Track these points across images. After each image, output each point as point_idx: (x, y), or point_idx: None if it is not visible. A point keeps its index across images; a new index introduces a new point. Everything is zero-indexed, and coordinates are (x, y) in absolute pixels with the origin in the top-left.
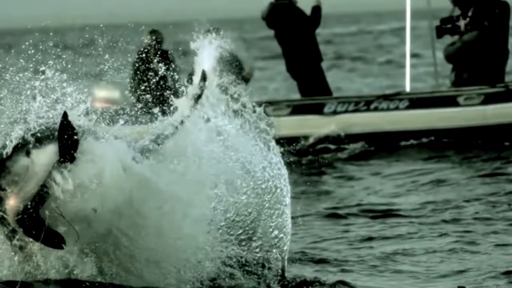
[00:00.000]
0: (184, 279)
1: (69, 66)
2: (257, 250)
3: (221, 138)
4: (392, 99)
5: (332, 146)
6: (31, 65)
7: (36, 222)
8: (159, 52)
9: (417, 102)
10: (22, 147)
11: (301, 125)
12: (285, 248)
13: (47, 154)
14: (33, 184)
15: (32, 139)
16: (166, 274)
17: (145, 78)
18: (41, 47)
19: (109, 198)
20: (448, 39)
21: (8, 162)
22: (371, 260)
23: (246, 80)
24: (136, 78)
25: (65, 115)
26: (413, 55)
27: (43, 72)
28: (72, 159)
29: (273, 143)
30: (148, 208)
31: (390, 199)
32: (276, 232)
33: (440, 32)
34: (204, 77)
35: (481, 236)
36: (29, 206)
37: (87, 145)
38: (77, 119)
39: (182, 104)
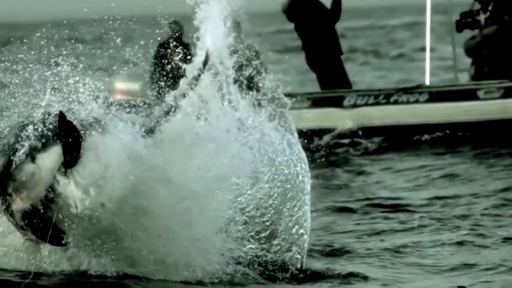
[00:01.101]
0: (198, 269)
1: (83, 59)
2: (277, 243)
3: (240, 125)
4: (412, 92)
5: (346, 141)
6: (43, 58)
7: (44, 223)
8: (179, 45)
9: (437, 95)
10: (28, 152)
11: (321, 118)
12: (305, 240)
13: (52, 157)
14: (40, 188)
15: (37, 143)
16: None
17: (165, 71)
18: (55, 37)
19: (116, 191)
20: (468, 33)
21: (15, 170)
22: (382, 252)
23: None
24: (156, 71)
25: (61, 116)
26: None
27: (57, 64)
28: (75, 161)
29: (291, 125)
30: (158, 197)
31: (402, 194)
32: (296, 225)
33: (460, 26)
34: (206, 59)
35: (490, 231)
36: (36, 209)
37: (92, 140)
38: (80, 113)
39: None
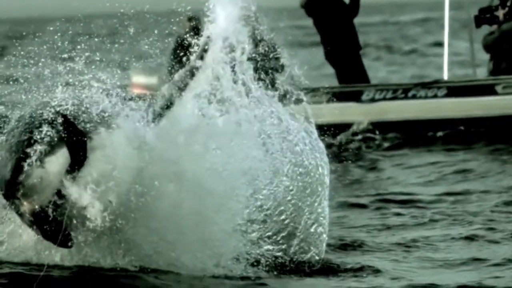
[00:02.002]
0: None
1: (97, 53)
2: (296, 243)
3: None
4: (430, 87)
5: (359, 137)
6: (57, 52)
7: (53, 226)
8: (197, 39)
9: (455, 90)
10: (36, 156)
11: (339, 112)
12: (323, 240)
13: (59, 160)
14: (48, 192)
15: (45, 146)
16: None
17: (183, 66)
18: (70, 31)
19: (124, 187)
20: (486, 29)
21: (23, 175)
22: (393, 247)
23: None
24: (174, 65)
25: (65, 118)
26: (438, 44)
27: (70, 59)
28: (82, 163)
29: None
30: (165, 193)
31: (414, 189)
32: (316, 223)
33: (479, 21)
34: (206, 45)
35: (501, 226)
36: (45, 212)
37: (99, 139)
38: (90, 110)
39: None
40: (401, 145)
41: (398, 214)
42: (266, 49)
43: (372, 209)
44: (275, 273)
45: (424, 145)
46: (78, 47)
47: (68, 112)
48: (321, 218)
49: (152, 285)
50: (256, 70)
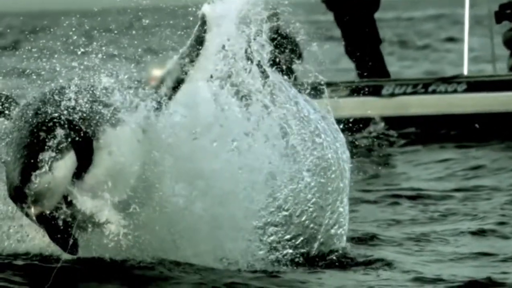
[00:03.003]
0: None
1: (111, 48)
2: (315, 248)
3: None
4: (450, 82)
5: (373, 134)
6: (71, 47)
7: (63, 232)
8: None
9: (475, 85)
10: (44, 161)
11: (359, 106)
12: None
13: (67, 164)
14: (56, 197)
15: (52, 150)
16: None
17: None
18: (86, 26)
19: (130, 182)
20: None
21: (31, 182)
22: (403, 240)
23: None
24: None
25: (70, 123)
26: (451, 39)
27: (86, 54)
28: (88, 165)
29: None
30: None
31: (426, 184)
32: (336, 224)
33: (499, 17)
34: (204, 23)
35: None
36: (54, 217)
37: (104, 138)
38: (94, 105)
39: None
40: (414, 141)
41: (409, 209)
42: (285, 42)
43: (383, 204)
44: (287, 266)
45: (437, 141)
46: (94, 42)
47: (74, 110)
48: (342, 220)
49: (163, 278)
50: (273, 59)
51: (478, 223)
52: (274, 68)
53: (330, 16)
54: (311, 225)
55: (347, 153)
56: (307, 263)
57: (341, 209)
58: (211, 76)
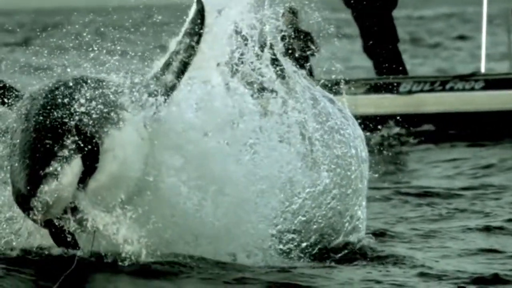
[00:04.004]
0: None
1: (119, 47)
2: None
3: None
4: (467, 79)
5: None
6: (83, 45)
7: (69, 238)
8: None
9: (493, 83)
10: (51, 168)
11: (377, 104)
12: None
13: (73, 171)
14: (62, 203)
15: (59, 157)
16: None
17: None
18: (100, 25)
19: (133, 182)
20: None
21: (38, 190)
22: (412, 237)
23: (312, 54)
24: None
25: (78, 129)
26: (461, 37)
27: (95, 51)
28: (93, 170)
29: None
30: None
31: (436, 182)
32: (355, 230)
33: None
34: (201, 14)
35: None
36: (60, 224)
37: (109, 141)
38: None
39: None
40: (426, 140)
41: (419, 206)
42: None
43: (393, 201)
44: (295, 260)
45: (448, 140)
46: (104, 40)
47: (82, 113)
48: (360, 226)
49: (174, 276)
50: (287, 51)
51: (486, 220)
52: (288, 58)
53: (339, 14)
54: (329, 232)
55: (366, 151)
56: (317, 258)
57: (359, 213)
58: (218, 64)
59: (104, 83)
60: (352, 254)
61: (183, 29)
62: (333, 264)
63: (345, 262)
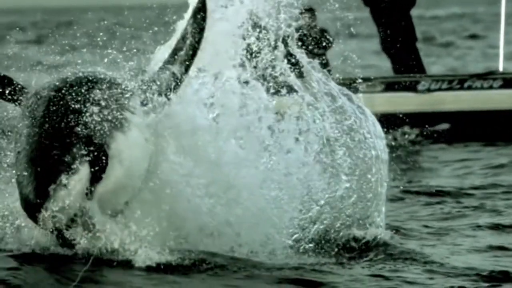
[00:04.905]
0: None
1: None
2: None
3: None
4: (486, 78)
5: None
6: (94, 44)
7: (76, 243)
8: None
9: (511, 82)
10: (59, 177)
11: (395, 102)
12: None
13: (81, 179)
14: (71, 211)
15: (67, 166)
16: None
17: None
18: (113, 21)
19: (139, 184)
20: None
21: (46, 199)
22: (423, 234)
23: (326, 48)
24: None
25: (88, 139)
26: (473, 37)
27: (107, 48)
28: (100, 177)
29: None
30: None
31: (447, 181)
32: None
33: None
34: (202, 8)
35: None
36: (68, 231)
37: (115, 146)
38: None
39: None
40: (439, 140)
41: (429, 205)
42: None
43: (405, 200)
44: (310, 257)
45: (462, 140)
46: (115, 39)
47: (91, 120)
48: (380, 234)
49: (186, 274)
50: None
51: (496, 219)
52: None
53: (353, 13)
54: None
55: (387, 152)
56: (327, 254)
57: (378, 220)
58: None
59: (111, 83)
60: (364, 251)
61: (187, 15)
62: (344, 260)
63: (356, 259)
